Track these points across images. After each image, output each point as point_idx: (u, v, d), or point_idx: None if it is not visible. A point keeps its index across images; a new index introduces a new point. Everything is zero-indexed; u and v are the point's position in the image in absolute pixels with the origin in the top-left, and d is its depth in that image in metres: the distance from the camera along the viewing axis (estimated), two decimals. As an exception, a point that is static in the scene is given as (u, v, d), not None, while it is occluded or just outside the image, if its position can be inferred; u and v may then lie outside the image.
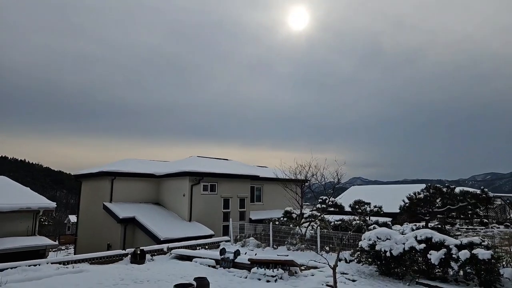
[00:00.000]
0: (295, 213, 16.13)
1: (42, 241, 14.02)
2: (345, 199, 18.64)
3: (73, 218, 60.40)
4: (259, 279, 9.22)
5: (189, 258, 11.70)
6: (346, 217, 16.27)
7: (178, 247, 12.82)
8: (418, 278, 9.21)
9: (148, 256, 11.57)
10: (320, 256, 10.91)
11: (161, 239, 14.83)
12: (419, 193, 19.57)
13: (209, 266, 10.85)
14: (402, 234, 10.44)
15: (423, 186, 21.45)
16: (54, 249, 18.09)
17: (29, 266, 9.58)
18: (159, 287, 8.31)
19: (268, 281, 9.05)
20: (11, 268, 9.30)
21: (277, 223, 15.56)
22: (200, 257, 11.48)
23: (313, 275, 9.80)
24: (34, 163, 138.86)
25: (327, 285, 8.77)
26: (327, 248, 12.82)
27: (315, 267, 10.71)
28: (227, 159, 25.35)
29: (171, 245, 13.02)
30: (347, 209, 20.01)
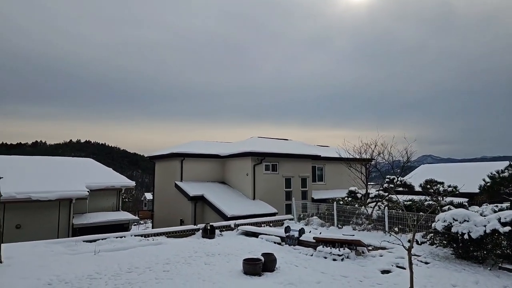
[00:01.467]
0: (360, 193, 15.68)
1: (126, 216, 15.72)
2: (415, 179, 17.52)
3: (148, 195, 66.27)
4: (325, 257, 9.26)
5: (254, 235, 12.18)
6: (416, 197, 15.40)
7: (244, 224, 13.40)
8: (502, 263, 8.46)
9: (217, 231, 12.30)
10: (388, 236, 10.59)
11: (228, 216, 15.60)
12: (502, 171, 17.59)
13: (274, 243, 11.19)
14: (482, 215, 9.59)
15: (506, 163, 19.21)
16: (135, 223, 20.14)
17: (116, 237, 10.84)
18: (229, 261, 8.83)
19: (334, 260, 9.06)
20: (102, 239, 10.62)
21: (341, 202, 15.32)
22: (266, 234, 11.87)
23: (381, 256, 9.56)
24: (112, 146, 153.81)
25: (397, 266, 8.51)
26: (396, 229, 12.34)
27: (383, 248, 10.43)
28: (287, 139, 25.39)
29: (237, 221, 13.67)
30: (417, 189, 18.86)
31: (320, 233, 11.52)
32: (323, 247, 9.59)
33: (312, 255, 9.61)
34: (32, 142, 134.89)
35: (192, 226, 12.87)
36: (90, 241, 10.32)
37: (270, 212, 17.07)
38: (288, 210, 18.78)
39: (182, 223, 17.91)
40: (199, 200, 18.04)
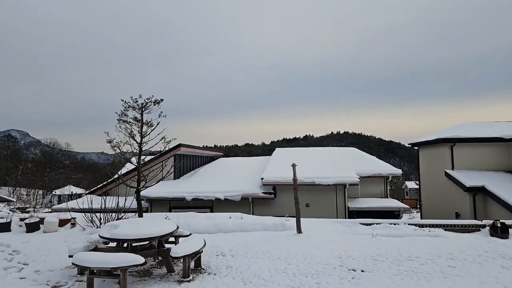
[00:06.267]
0: None
1: (396, 203, 15.86)
2: None
3: (409, 184, 63.72)
4: None
5: None
6: None
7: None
8: None
9: (511, 230, 10.05)
10: None
11: (525, 214, 12.40)
12: None
13: None
14: None
15: None
16: (405, 212, 19.90)
17: (390, 224, 11.09)
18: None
19: None
20: (377, 223, 11.17)
21: None
22: None
23: None
24: (368, 135, 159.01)
25: None
26: None
27: None
28: None
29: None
30: None
31: None
32: None
33: None
34: (303, 136, 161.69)
35: (475, 222, 11.18)
36: (366, 224, 11.12)
37: None
38: None
39: (457, 216, 15.94)
40: (479, 192, 15.39)
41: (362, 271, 6.94)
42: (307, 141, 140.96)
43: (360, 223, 11.27)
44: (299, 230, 9.82)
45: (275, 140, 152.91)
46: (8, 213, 13.06)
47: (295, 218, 10.22)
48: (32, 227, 10.82)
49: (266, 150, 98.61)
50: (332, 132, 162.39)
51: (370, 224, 11.08)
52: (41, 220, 11.03)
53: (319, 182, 15.09)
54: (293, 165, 10.22)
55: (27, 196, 44.05)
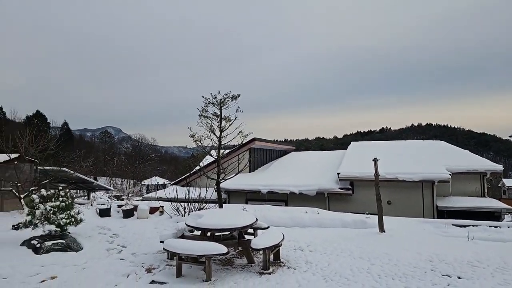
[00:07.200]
0: None
1: (495, 203, 13.94)
2: None
3: (508, 181, 55.76)
4: None
5: None
6: None
7: None
8: None
9: None
10: None
11: None
12: None
13: None
14: None
15: None
16: (506, 213, 17.49)
17: (489, 226, 9.79)
18: None
19: None
20: (473, 225, 9.95)
21: None
22: None
23: None
24: (456, 127, 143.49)
25: None
26: None
27: None
28: None
29: None
30: None
31: None
32: None
33: None
34: (379, 129, 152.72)
35: None
36: (460, 226, 10.00)
37: None
38: None
39: None
40: None
41: (459, 277, 6.22)
42: (384, 134, 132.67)
43: (453, 224, 10.19)
44: (381, 229, 9.25)
45: (348, 134, 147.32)
46: (107, 201, 14.78)
47: (376, 216, 9.65)
48: (128, 214, 12.07)
49: (338, 144, 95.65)
50: (412, 124, 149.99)
51: (465, 226, 9.93)
52: (135, 207, 12.25)
53: (402, 178, 14.02)
54: (375, 160, 9.63)
55: (121, 185, 49.57)
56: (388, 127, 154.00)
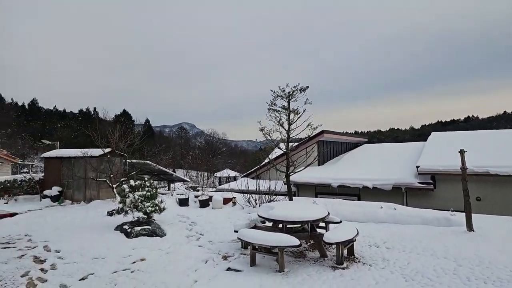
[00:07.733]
0: None
1: None
2: None
3: None
4: None
5: None
6: None
7: None
8: None
9: None
10: None
11: None
12: None
13: None
14: None
15: None
16: None
17: None
18: None
19: None
20: None
21: None
22: None
23: None
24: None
25: None
26: None
27: None
28: None
29: None
30: None
31: None
32: None
33: None
34: (464, 118, 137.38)
35: None
36: None
37: None
38: None
39: None
40: None
41: None
42: (470, 124, 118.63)
43: (561, 226, 8.74)
44: (469, 228, 8.37)
45: (426, 124, 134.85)
46: (185, 191, 15.87)
47: (462, 213, 8.75)
48: (204, 203, 12.82)
49: (415, 135, 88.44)
50: (505, 111, 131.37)
51: None
52: (210, 198, 12.95)
53: (495, 172, 12.44)
54: (461, 151, 8.70)
55: (196, 177, 52.82)
56: (475, 115, 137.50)
